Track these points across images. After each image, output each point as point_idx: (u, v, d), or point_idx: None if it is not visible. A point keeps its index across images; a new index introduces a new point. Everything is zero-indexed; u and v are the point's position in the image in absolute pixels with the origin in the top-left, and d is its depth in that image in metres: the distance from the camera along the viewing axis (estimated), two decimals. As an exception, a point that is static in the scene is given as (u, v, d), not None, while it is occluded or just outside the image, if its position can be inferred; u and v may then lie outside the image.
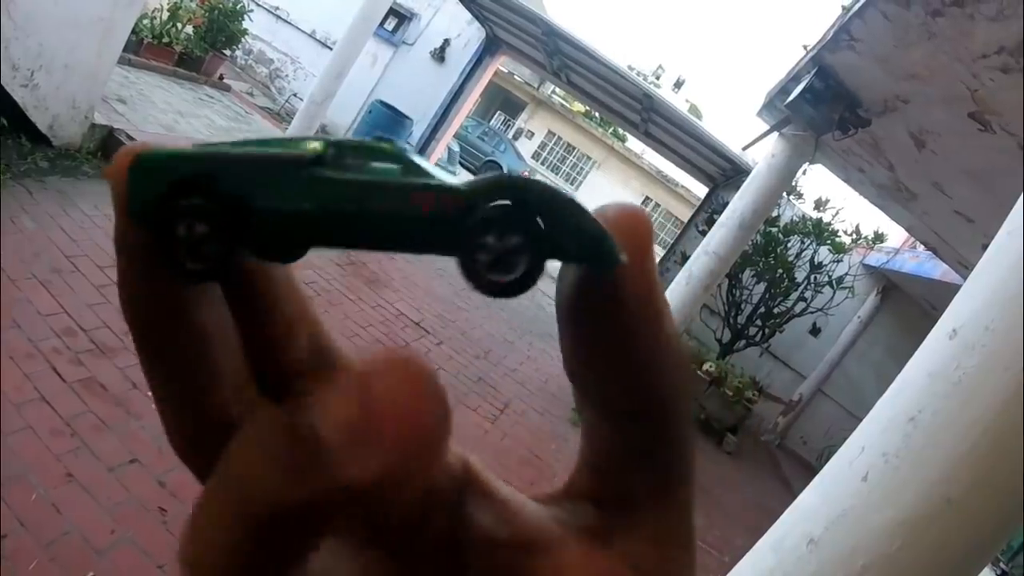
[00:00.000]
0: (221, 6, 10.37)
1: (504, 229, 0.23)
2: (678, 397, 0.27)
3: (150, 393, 0.26)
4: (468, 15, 12.32)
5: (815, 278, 10.62)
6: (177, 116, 7.58)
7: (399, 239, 0.24)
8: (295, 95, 12.95)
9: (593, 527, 0.27)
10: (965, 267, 7.57)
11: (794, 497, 2.07)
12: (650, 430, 0.27)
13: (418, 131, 12.55)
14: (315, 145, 0.25)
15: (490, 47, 12.84)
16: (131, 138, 5.65)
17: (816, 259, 10.56)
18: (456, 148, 16.62)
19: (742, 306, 10.76)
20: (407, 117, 11.27)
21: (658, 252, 17.91)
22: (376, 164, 0.25)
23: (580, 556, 0.26)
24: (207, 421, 0.26)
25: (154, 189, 0.24)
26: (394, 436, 0.18)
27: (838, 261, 10.59)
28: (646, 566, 0.27)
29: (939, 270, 8.66)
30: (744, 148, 9.02)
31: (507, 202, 0.24)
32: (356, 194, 0.24)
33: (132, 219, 0.24)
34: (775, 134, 6.94)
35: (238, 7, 10.71)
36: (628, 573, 0.26)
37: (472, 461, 0.27)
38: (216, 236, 0.24)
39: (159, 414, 0.26)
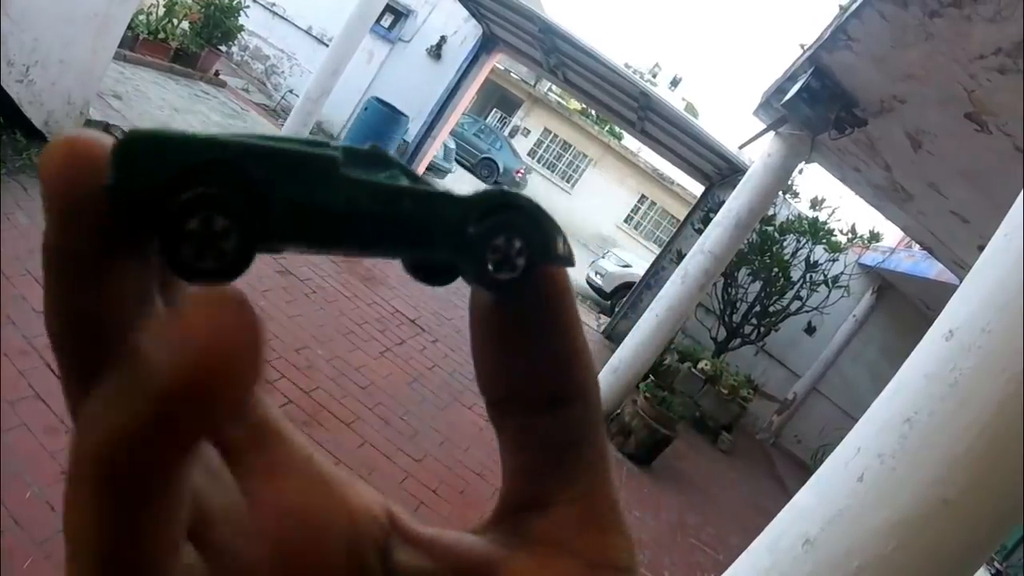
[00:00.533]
0: (217, 2, 10.36)
1: (511, 234, 0.27)
2: (595, 382, 0.29)
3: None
4: (465, 12, 12.30)
5: (811, 277, 10.63)
6: (172, 112, 7.57)
7: (415, 242, 0.26)
8: (291, 91, 12.93)
9: (541, 535, 0.28)
10: (961, 267, 7.60)
11: (788, 496, 2.08)
12: (580, 415, 0.28)
13: (414, 128, 12.53)
14: (331, 150, 0.25)
15: (487, 44, 12.83)
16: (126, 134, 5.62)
17: (812, 258, 10.58)
18: (452, 145, 16.61)
19: (737, 304, 10.78)
20: (403, 114, 11.24)
21: (654, 250, 17.90)
22: (383, 172, 0.26)
23: (534, 567, 0.27)
24: None
25: (156, 175, 0.21)
26: (207, 349, 0.18)
27: (834, 260, 10.61)
28: (597, 557, 0.28)
29: (934, 270, 8.68)
30: (740, 147, 9.02)
31: (508, 210, 0.27)
32: (386, 196, 0.25)
33: (117, 210, 0.21)
34: (771, 133, 6.94)
35: (234, 3, 10.69)
36: (584, 570, 0.27)
37: (395, 509, 0.28)
38: (236, 230, 0.22)
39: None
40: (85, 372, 0.22)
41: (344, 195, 0.24)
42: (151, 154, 0.21)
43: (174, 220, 0.21)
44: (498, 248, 0.26)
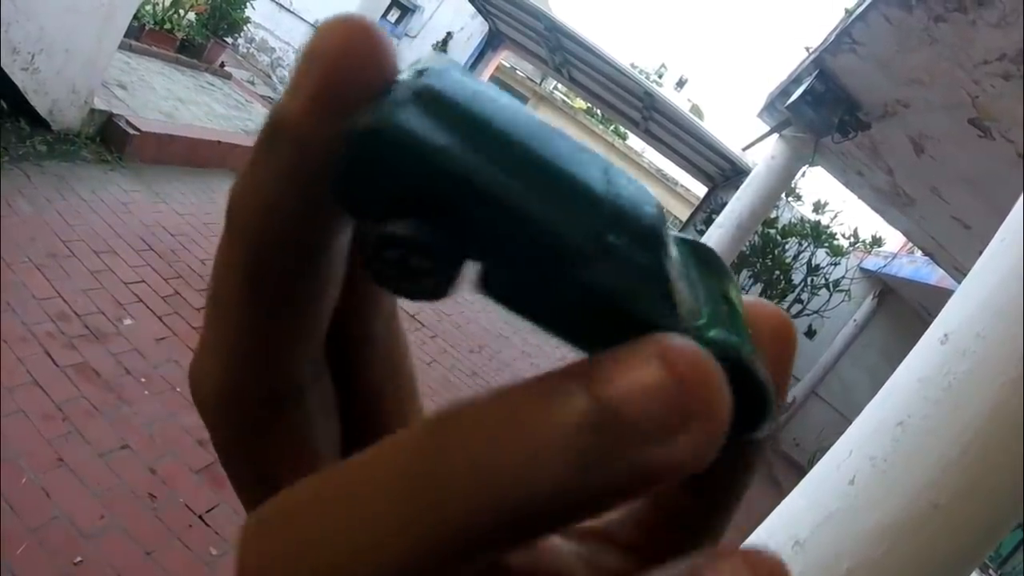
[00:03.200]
0: (223, -6, 10.35)
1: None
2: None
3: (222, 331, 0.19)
4: (471, 9, 12.30)
5: (812, 280, 10.63)
6: (177, 103, 7.56)
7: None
8: (296, 85, 12.93)
9: (618, 571, 0.24)
10: (962, 273, 7.58)
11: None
12: (724, 505, 0.24)
13: (419, 124, 12.54)
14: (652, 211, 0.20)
15: (493, 41, 12.84)
16: (131, 124, 5.63)
17: (813, 261, 10.58)
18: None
19: (738, 307, 10.77)
20: (408, 109, 11.23)
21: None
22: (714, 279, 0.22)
23: None
24: (282, 375, 0.20)
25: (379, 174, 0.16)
26: (710, 410, 0.14)
27: (835, 264, 10.61)
28: None
29: (936, 275, 8.67)
30: (744, 149, 9.04)
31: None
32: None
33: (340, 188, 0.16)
34: (775, 135, 6.94)
35: (240, -5, 10.69)
36: None
37: None
38: (439, 271, 0.17)
39: (220, 356, 0.19)
40: (281, 292, 0.18)
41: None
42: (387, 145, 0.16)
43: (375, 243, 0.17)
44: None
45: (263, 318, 0.18)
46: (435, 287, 0.17)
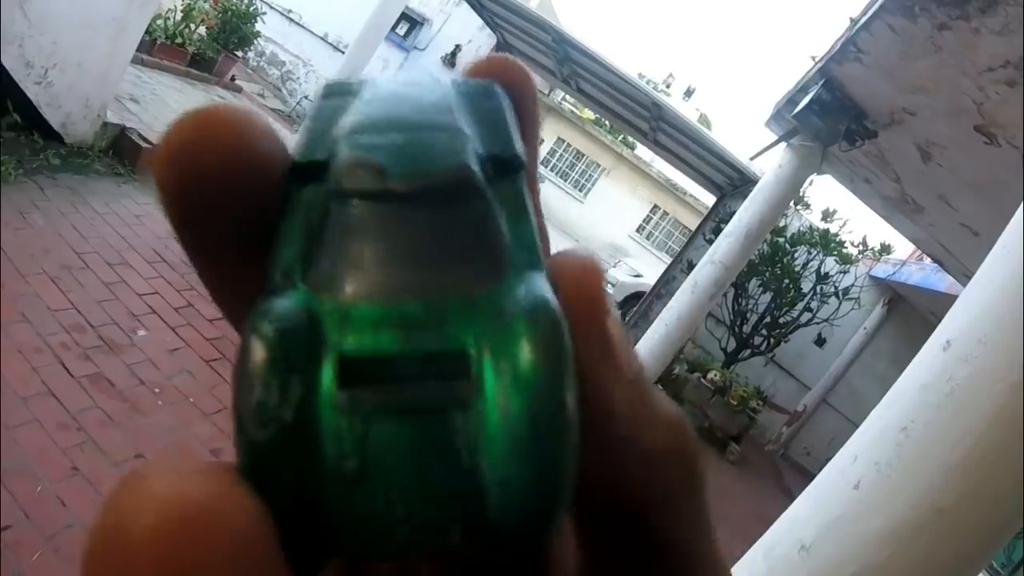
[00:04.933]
0: (234, 8, 10.46)
1: None
2: (683, 477, 0.19)
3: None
4: (479, 21, 12.37)
5: (821, 289, 10.60)
6: (188, 116, 7.62)
7: None
8: (306, 97, 13.04)
9: None
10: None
11: (793, 507, 2.09)
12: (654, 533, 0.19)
13: (427, 136, 12.59)
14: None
15: (501, 53, 12.88)
16: (143, 137, 5.70)
17: (822, 270, 10.55)
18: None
19: (748, 315, 10.75)
20: (417, 121, 11.28)
21: (665, 261, 17.71)
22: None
23: None
24: None
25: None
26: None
27: (844, 272, 10.59)
28: None
29: (945, 283, 8.64)
30: (752, 158, 9.02)
31: None
32: None
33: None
34: (783, 145, 6.94)
35: (251, 9, 10.79)
36: None
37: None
38: None
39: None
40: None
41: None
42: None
43: None
44: None
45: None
46: None
